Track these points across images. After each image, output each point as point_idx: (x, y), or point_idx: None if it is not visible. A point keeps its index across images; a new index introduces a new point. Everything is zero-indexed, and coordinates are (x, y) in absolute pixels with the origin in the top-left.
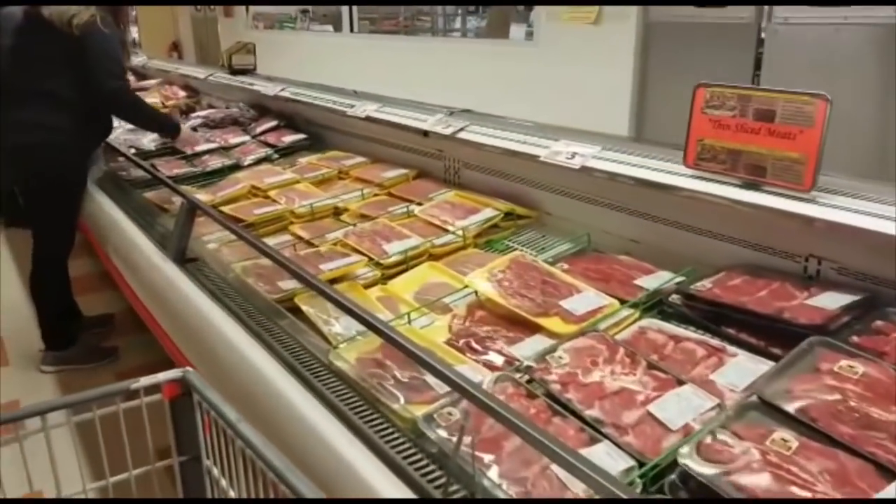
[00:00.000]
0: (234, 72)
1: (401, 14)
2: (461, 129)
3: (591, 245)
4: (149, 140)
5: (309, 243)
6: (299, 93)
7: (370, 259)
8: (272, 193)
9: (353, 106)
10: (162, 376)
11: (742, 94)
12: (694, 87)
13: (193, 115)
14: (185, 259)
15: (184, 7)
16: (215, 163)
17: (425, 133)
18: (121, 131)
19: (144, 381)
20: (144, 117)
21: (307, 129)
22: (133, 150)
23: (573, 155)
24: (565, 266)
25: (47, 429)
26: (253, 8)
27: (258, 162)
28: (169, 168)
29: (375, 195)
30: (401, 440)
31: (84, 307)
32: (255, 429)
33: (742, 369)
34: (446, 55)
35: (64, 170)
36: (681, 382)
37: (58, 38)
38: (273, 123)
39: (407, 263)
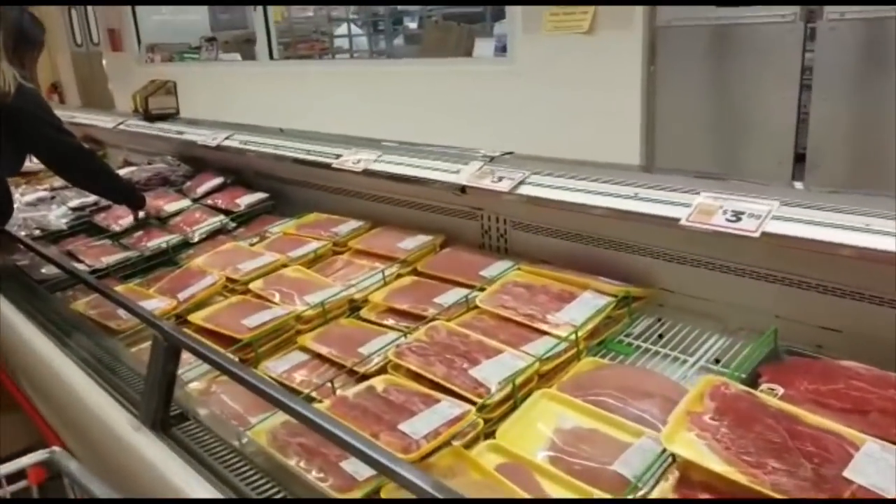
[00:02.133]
0: (152, 118)
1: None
2: (521, 183)
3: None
4: (57, 216)
5: (351, 371)
6: (251, 140)
7: (460, 398)
8: (255, 286)
9: (338, 156)
10: (25, 460)
11: None
12: None
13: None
14: (167, 423)
15: (60, 43)
16: (154, 241)
17: (462, 189)
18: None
19: (4, 468)
20: (108, 179)
21: (262, 186)
22: (38, 232)
23: (737, 216)
24: (776, 388)
25: None
26: (146, 39)
27: (211, 235)
28: (93, 255)
29: (399, 275)
30: None
31: None
32: None
33: None
34: (396, 79)
35: None
36: None
37: None
38: (218, 181)
39: (515, 397)
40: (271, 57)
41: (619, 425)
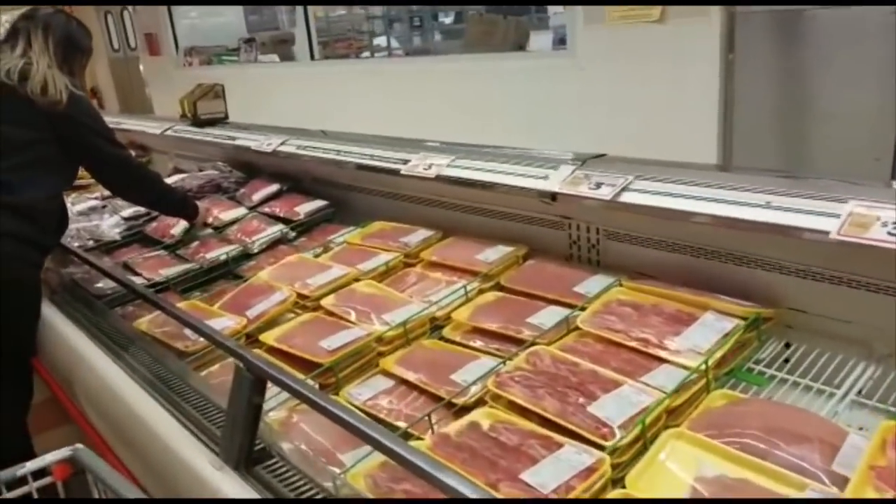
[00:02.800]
0: (201, 122)
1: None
2: (623, 190)
3: None
4: (110, 226)
5: (441, 399)
6: (309, 146)
7: (580, 438)
8: (328, 303)
9: (405, 161)
10: (50, 457)
11: None
12: None
13: None
14: (251, 462)
15: (97, 48)
16: (213, 252)
17: (553, 197)
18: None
19: (31, 464)
20: (160, 191)
21: (319, 192)
22: (91, 243)
23: None
24: None
25: None
26: (183, 43)
27: (271, 245)
28: (151, 268)
29: (480, 290)
30: None
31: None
32: None
33: None
34: (444, 77)
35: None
36: None
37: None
38: (274, 188)
39: (644, 438)
40: (312, 57)
41: (776, 475)
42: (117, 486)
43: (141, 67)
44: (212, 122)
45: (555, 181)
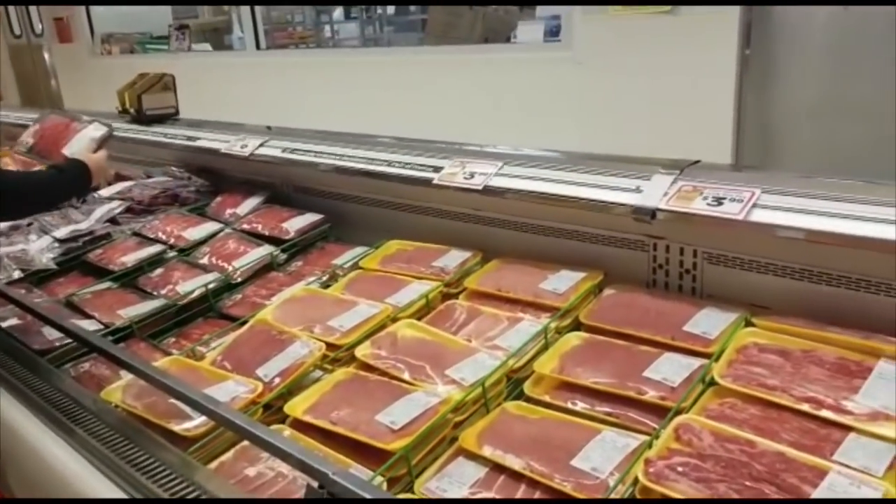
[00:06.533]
0: (147, 119)
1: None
2: (753, 206)
3: None
4: (40, 249)
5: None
6: (297, 149)
7: None
8: (364, 355)
9: (438, 169)
10: None
11: None
12: None
13: (96, 193)
14: None
15: None
16: (187, 284)
17: (653, 215)
18: None
19: None
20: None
21: (305, 204)
22: (19, 273)
23: None
24: None
25: None
26: (99, 29)
27: (258, 272)
28: (104, 306)
29: (557, 330)
30: None
31: None
32: None
33: None
34: (417, 70)
35: None
36: None
37: None
38: (256, 199)
39: None
40: (258, 47)
41: None
42: None
43: (46, 56)
44: (159, 119)
45: (654, 195)
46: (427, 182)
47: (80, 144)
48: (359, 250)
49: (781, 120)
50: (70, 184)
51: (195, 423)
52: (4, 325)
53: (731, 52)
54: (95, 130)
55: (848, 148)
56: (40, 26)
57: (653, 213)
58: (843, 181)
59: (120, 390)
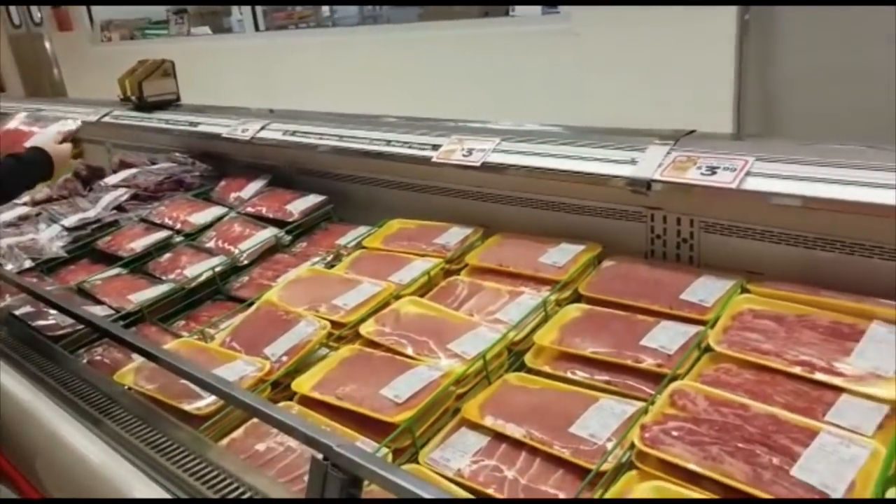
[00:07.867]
0: (148, 106)
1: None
2: (747, 174)
3: None
4: (49, 238)
5: (565, 464)
6: (298, 131)
7: None
8: (368, 332)
9: (437, 147)
10: None
11: None
12: None
13: (103, 181)
14: None
15: None
16: (194, 267)
17: (648, 186)
18: None
19: None
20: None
21: (308, 185)
22: (29, 263)
23: None
24: None
25: None
26: (97, 15)
27: (264, 255)
28: (114, 292)
29: (557, 303)
30: None
31: None
32: None
33: None
34: (416, 47)
35: None
36: None
37: None
38: (259, 182)
39: None
40: (257, 28)
41: None
42: None
43: (47, 45)
44: (161, 106)
45: (648, 166)
46: (427, 160)
47: (45, 136)
48: (362, 230)
49: (783, 87)
50: (27, 173)
51: (206, 402)
52: (18, 312)
53: (730, 18)
54: (62, 126)
55: (853, 113)
56: (39, 15)
57: (648, 184)
58: (841, 147)
59: (132, 373)
